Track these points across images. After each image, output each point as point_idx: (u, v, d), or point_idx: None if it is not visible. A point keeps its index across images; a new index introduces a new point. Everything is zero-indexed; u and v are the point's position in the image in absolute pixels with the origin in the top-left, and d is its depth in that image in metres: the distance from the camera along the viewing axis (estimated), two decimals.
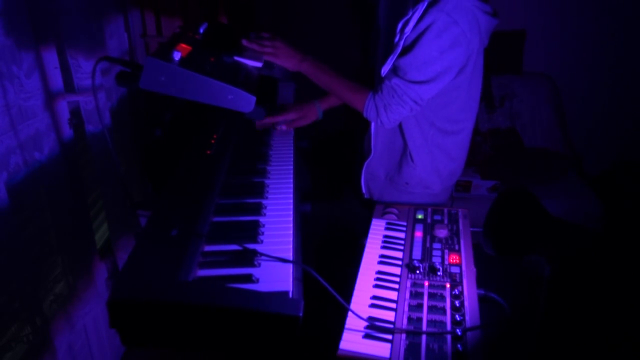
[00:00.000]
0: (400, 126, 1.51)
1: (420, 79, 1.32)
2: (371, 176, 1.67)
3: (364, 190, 1.71)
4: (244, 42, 1.44)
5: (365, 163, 1.64)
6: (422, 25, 1.27)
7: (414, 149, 1.51)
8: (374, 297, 1.15)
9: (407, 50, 1.31)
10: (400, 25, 1.32)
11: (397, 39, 1.33)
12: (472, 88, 1.46)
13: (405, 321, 1.08)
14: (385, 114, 1.38)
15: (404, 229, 1.42)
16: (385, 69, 1.37)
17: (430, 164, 1.54)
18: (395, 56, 1.34)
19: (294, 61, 1.45)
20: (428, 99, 1.38)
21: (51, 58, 1.50)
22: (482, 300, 1.17)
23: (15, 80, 1.32)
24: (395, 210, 1.49)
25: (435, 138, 1.50)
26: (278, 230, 1.20)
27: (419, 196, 1.60)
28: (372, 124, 1.55)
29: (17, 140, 1.33)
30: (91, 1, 1.71)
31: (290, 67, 1.47)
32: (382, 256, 1.30)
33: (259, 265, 1.06)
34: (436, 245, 1.34)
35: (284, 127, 1.73)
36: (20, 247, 1.34)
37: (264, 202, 1.31)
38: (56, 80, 1.53)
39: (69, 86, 1.64)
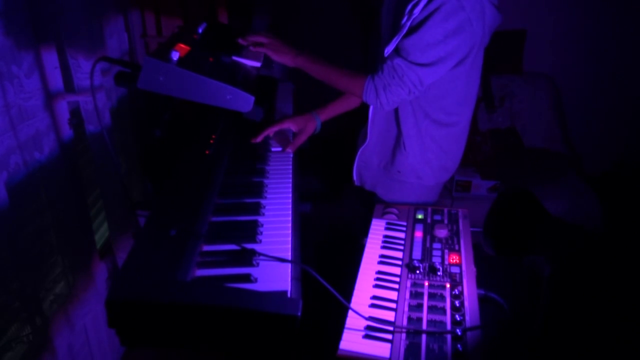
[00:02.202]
0: (396, 115, 1.53)
1: (422, 62, 1.33)
2: (365, 164, 1.69)
3: (355, 178, 1.73)
4: (240, 41, 1.45)
5: (360, 150, 1.66)
6: (431, 7, 1.28)
7: (407, 137, 1.53)
8: (374, 297, 1.15)
9: (412, 31, 1.32)
10: (409, 7, 1.32)
11: (404, 20, 1.34)
12: (470, 83, 1.47)
13: (405, 321, 1.07)
14: (384, 94, 1.38)
15: (404, 229, 1.42)
16: (388, 49, 1.37)
17: (422, 154, 1.55)
18: (400, 37, 1.35)
19: (290, 56, 1.46)
20: (428, 84, 1.38)
21: (51, 58, 1.50)
22: (482, 300, 1.17)
23: (15, 80, 1.32)
24: (395, 210, 1.49)
25: (428, 129, 1.52)
26: (277, 230, 1.20)
27: (410, 186, 1.61)
28: (370, 112, 1.56)
29: (17, 140, 1.33)
30: (91, 1, 1.71)
31: (286, 62, 1.48)
32: (382, 256, 1.30)
33: (258, 265, 1.06)
34: (436, 245, 1.33)
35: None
36: (20, 246, 1.34)
37: (263, 201, 1.31)
38: (56, 80, 1.53)
39: (69, 86, 1.64)
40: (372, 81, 1.40)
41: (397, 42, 1.35)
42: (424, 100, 1.47)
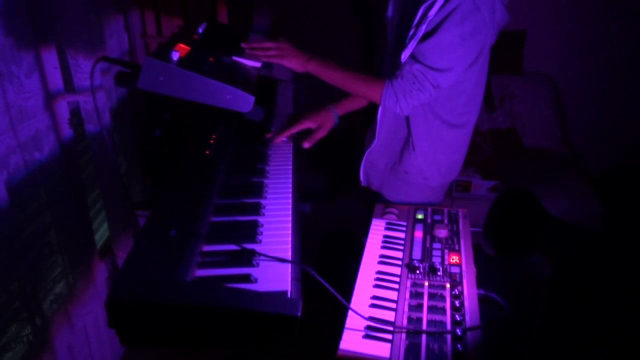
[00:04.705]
0: (406, 116, 1.52)
1: (441, 67, 1.33)
2: (371, 164, 1.68)
3: (362, 178, 1.72)
4: (246, 47, 1.42)
5: (367, 151, 1.65)
6: (448, 9, 1.28)
7: (417, 138, 1.52)
8: (374, 297, 1.15)
9: (429, 35, 1.31)
10: (422, 10, 1.32)
11: (416, 23, 1.33)
12: (479, 83, 1.48)
13: (405, 321, 1.07)
14: (405, 100, 1.38)
15: (404, 229, 1.42)
16: (405, 55, 1.36)
17: (431, 155, 1.55)
18: (416, 41, 1.34)
19: (300, 61, 1.42)
20: (445, 87, 1.38)
21: (51, 58, 1.50)
22: (482, 300, 1.17)
23: (15, 80, 1.32)
24: (395, 210, 1.49)
25: (439, 130, 1.51)
26: (277, 230, 1.20)
27: (416, 187, 1.61)
28: (379, 113, 1.56)
29: (17, 140, 1.33)
30: (91, 1, 1.71)
31: (296, 68, 1.44)
32: (382, 256, 1.30)
33: (258, 265, 1.06)
34: (436, 245, 1.33)
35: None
36: (20, 247, 1.34)
37: (263, 202, 1.31)
38: (56, 80, 1.53)
39: (69, 86, 1.64)
40: (391, 87, 1.38)
41: (413, 47, 1.34)
42: (435, 102, 1.46)
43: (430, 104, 1.47)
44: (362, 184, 1.73)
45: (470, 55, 1.34)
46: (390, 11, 1.55)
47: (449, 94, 1.44)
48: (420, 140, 1.52)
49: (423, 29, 1.32)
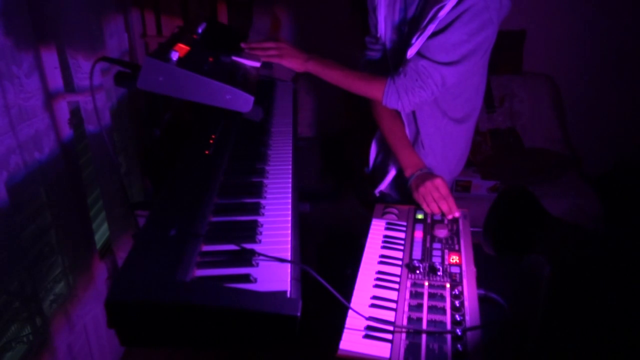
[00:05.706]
0: (414, 115, 1.52)
1: (447, 60, 1.33)
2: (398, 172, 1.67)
3: (384, 188, 1.69)
4: (246, 47, 1.42)
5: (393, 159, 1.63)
6: (459, 10, 1.29)
7: (426, 136, 1.53)
8: (374, 297, 1.15)
9: (438, 32, 1.32)
10: (433, 11, 1.32)
11: (425, 22, 1.34)
12: (483, 77, 1.49)
13: (405, 321, 1.07)
14: (407, 97, 1.38)
15: (404, 229, 1.42)
16: (411, 52, 1.37)
17: (441, 152, 1.56)
18: (424, 39, 1.34)
19: (299, 61, 1.43)
20: (450, 84, 1.38)
21: (51, 58, 1.50)
22: (482, 300, 1.17)
23: (15, 80, 1.32)
24: (395, 210, 1.49)
25: (447, 127, 1.52)
26: (276, 230, 1.19)
27: None
28: (403, 116, 1.56)
29: (17, 140, 1.33)
30: (91, 1, 1.71)
31: (296, 68, 1.44)
32: (382, 256, 1.30)
33: (257, 265, 1.06)
34: (436, 245, 1.33)
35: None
36: (20, 247, 1.34)
37: (263, 202, 1.31)
38: (56, 80, 1.53)
39: (69, 86, 1.64)
40: (393, 84, 1.38)
41: (420, 44, 1.35)
42: (442, 101, 1.47)
43: (437, 103, 1.48)
44: (396, 197, 1.69)
45: (477, 49, 1.35)
46: (381, 16, 1.53)
47: (455, 91, 1.45)
48: (429, 139, 1.53)
49: (432, 28, 1.32)
